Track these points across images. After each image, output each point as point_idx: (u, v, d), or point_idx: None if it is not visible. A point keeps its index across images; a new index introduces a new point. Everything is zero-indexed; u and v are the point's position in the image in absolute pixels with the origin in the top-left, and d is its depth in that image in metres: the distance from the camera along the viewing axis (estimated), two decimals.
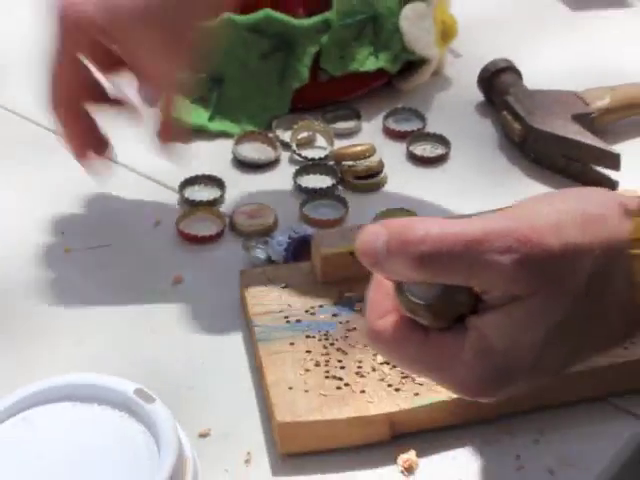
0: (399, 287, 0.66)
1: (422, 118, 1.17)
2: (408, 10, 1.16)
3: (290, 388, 0.85)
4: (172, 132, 0.99)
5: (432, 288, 0.65)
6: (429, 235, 0.64)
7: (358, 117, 1.17)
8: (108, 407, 0.68)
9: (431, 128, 1.16)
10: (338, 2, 1.15)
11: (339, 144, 1.13)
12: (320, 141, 1.13)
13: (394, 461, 0.84)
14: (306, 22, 1.15)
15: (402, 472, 0.84)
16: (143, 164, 1.11)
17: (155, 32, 0.91)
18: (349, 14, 1.15)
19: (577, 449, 0.85)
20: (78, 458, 0.66)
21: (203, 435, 0.86)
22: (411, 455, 0.84)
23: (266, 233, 1.02)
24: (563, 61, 1.23)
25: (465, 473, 0.83)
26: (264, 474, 0.84)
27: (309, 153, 1.12)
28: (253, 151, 1.12)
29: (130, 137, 1.09)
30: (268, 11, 1.14)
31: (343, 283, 0.92)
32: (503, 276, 0.64)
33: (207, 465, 0.82)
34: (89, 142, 0.99)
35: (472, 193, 1.08)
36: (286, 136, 1.13)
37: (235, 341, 0.93)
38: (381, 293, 0.69)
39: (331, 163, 1.11)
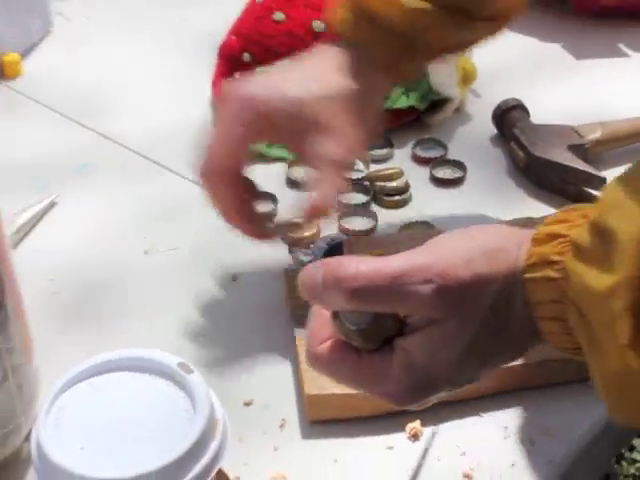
0: (335, 315, 0.66)
1: (444, 147, 1.18)
2: None
3: None
4: (323, 212, 0.87)
5: (363, 315, 0.65)
6: (359, 272, 0.64)
7: (391, 145, 1.18)
8: (156, 376, 0.70)
9: (452, 155, 1.17)
10: None
11: (374, 167, 1.14)
12: (358, 165, 1.14)
13: (403, 429, 0.85)
14: None
15: (409, 438, 0.85)
16: None
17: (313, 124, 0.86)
18: None
19: (556, 422, 0.86)
20: (132, 416, 0.68)
21: (247, 404, 0.88)
22: (417, 424, 0.85)
23: (310, 241, 1.03)
24: (564, 101, 1.24)
25: (462, 440, 0.85)
26: (295, 436, 0.86)
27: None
28: (302, 173, 1.13)
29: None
30: None
31: None
32: (424, 303, 0.64)
33: (249, 428, 0.86)
34: (238, 213, 0.91)
35: (484, 210, 1.09)
36: None
37: (279, 328, 0.95)
38: (320, 322, 0.68)
39: (366, 183, 1.12)
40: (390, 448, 0.84)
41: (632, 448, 2.03)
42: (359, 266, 0.64)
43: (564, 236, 0.61)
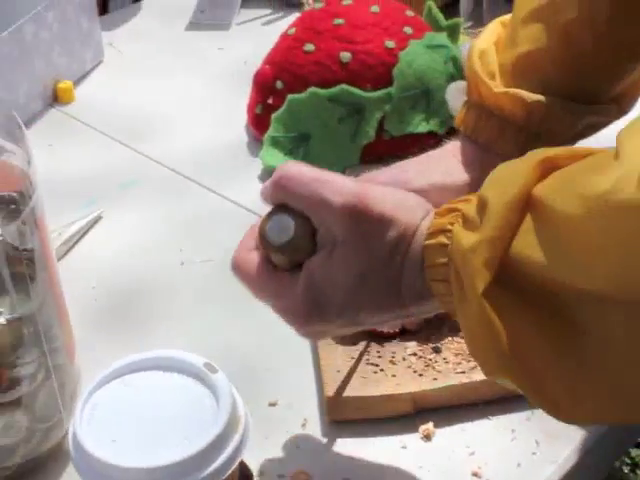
0: (261, 231, 0.71)
1: None
2: (452, 87, 1.17)
3: (338, 371, 0.87)
4: None
5: (283, 235, 0.69)
6: (289, 167, 0.70)
7: None
8: (184, 375, 0.71)
9: None
10: (398, 79, 1.17)
11: None
12: None
13: (416, 430, 0.85)
14: (373, 94, 1.17)
15: (422, 439, 0.85)
16: (244, 199, 1.14)
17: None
18: (407, 88, 1.17)
19: (560, 425, 0.85)
20: (160, 412, 0.69)
21: (272, 404, 0.88)
22: (429, 426, 0.85)
23: None
24: None
25: (472, 441, 0.84)
26: (316, 435, 0.86)
27: None
28: None
29: (242, 177, 1.15)
30: (344, 86, 1.16)
31: None
32: (331, 215, 0.68)
33: (273, 427, 0.86)
34: None
35: None
36: None
37: None
38: (251, 236, 0.74)
39: None
40: (404, 447, 0.84)
41: None
42: (291, 166, 0.71)
43: (458, 210, 0.66)
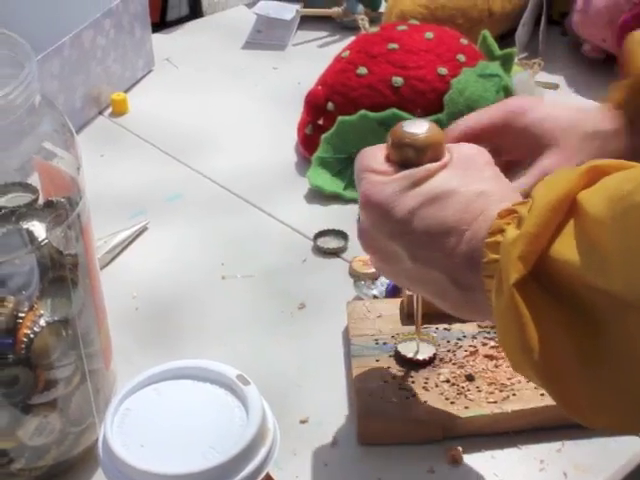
0: (397, 128, 0.77)
1: None
2: (520, 77, 1.18)
3: (370, 395, 0.88)
4: None
5: (419, 128, 0.76)
6: None
7: None
8: (216, 386, 0.72)
9: None
10: (448, 106, 1.18)
11: None
12: None
13: (444, 454, 0.85)
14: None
15: (449, 463, 0.85)
16: (289, 218, 1.16)
17: None
18: (457, 116, 1.15)
19: (591, 458, 0.85)
20: (190, 420, 0.70)
21: (303, 421, 0.89)
22: (457, 452, 0.85)
23: (375, 277, 1.04)
24: None
25: (499, 469, 0.84)
26: (344, 454, 0.86)
27: None
28: None
29: (288, 196, 1.16)
30: (394, 110, 1.17)
31: (424, 317, 0.91)
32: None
33: (303, 444, 0.87)
34: None
35: None
36: None
37: (338, 355, 0.96)
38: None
39: None
40: (431, 472, 0.84)
41: None
42: None
43: (516, 212, 0.67)
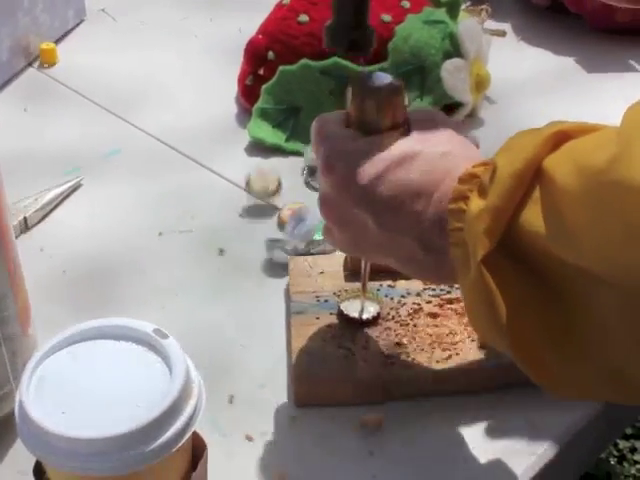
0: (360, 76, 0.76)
1: None
2: (448, 64, 1.13)
3: (308, 354, 0.83)
4: None
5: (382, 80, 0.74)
6: None
7: None
8: (133, 343, 0.68)
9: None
10: (392, 55, 1.13)
11: None
12: None
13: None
14: (366, 68, 1.12)
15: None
16: (229, 171, 1.10)
17: None
18: (401, 64, 1.13)
19: (542, 416, 0.81)
20: (110, 381, 0.66)
21: (243, 383, 0.85)
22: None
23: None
24: (576, 112, 1.16)
25: (441, 430, 0.81)
26: (282, 417, 0.82)
27: None
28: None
29: (228, 149, 1.11)
30: (336, 58, 1.12)
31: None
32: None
33: (243, 405, 0.83)
34: None
35: None
36: None
37: (279, 314, 0.92)
38: None
39: None
40: (372, 433, 0.80)
41: (634, 450, 1.99)
42: None
43: (478, 176, 0.66)
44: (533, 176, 0.62)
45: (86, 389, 0.65)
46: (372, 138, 0.71)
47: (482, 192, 0.64)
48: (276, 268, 0.96)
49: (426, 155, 0.70)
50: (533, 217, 0.61)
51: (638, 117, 0.59)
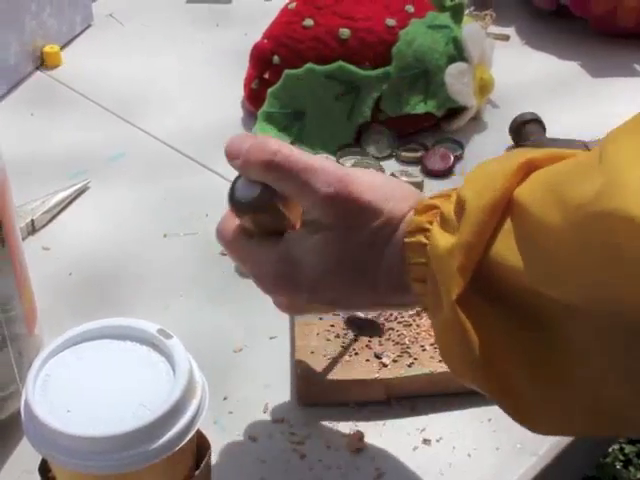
0: (230, 190, 0.70)
1: (461, 146, 1.15)
2: (452, 68, 1.14)
3: (312, 352, 0.84)
4: None
5: (250, 193, 0.69)
6: (280, 151, 0.67)
7: (425, 148, 1.15)
8: (137, 343, 0.69)
9: (467, 164, 1.13)
10: (397, 59, 1.13)
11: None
12: None
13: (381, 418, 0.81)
14: (371, 73, 1.13)
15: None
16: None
17: None
18: (405, 69, 1.13)
19: None
20: (114, 381, 0.67)
21: (247, 383, 0.85)
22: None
23: None
24: (580, 117, 1.19)
25: (446, 430, 0.81)
26: (287, 415, 0.83)
27: None
28: None
29: None
30: (341, 63, 1.13)
31: None
32: (317, 201, 0.67)
33: (246, 404, 0.84)
34: None
35: None
36: (346, 161, 1.12)
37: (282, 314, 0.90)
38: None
39: None
40: (374, 433, 0.80)
41: None
42: (282, 147, 0.68)
43: (437, 207, 0.64)
44: (504, 208, 0.60)
45: (90, 388, 0.66)
46: (284, 245, 0.70)
47: (445, 225, 0.63)
48: None
49: (359, 228, 0.68)
50: (506, 250, 0.59)
51: (621, 144, 0.55)
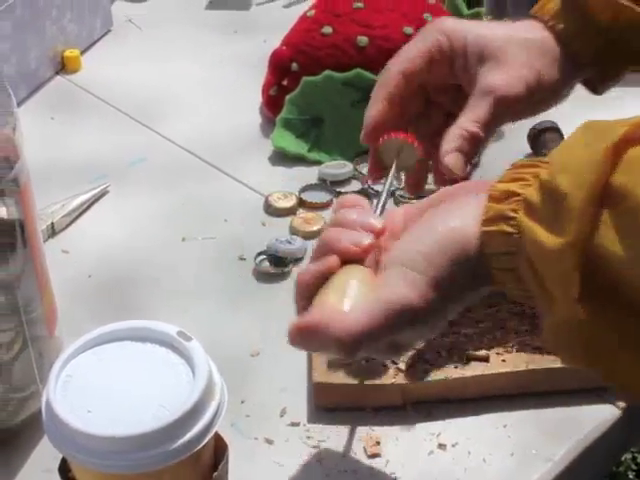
0: None
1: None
2: None
3: (329, 357, 0.84)
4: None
5: None
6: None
7: None
8: (157, 345, 0.70)
9: (483, 171, 1.13)
10: None
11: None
12: None
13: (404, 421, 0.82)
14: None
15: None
16: (252, 180, 1.12)
17: None
18: None
19: (558, 425, 0.82)
20: (134, 382, 0.68)
21: (265, 386, 0.85)
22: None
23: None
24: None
25: (461, 436, 0.81)
26: (303, 419, 0.84)
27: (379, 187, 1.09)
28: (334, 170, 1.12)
29: (251, 158, 1.13)
30: (359, 70, 1.13)
31: None
32: None
33: (263, 408, 0.84)
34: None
35: None
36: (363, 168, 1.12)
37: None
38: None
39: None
40: (392, 437, 0.81)
41: None
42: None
43: (518, 194, 0.62)
44: (602, 198, 0.58)
45: (111, 389, 0.67)
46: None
47: (534, 214, 0.61)
48: (296, 275, 0.97)
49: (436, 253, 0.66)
50: (609, 242, 0.57)
51: None
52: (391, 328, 0.65)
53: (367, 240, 0.68)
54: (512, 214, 0.62)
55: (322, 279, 0.68)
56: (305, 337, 0.67)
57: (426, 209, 0.68)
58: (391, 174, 0.81)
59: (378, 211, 0.74)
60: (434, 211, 0.67)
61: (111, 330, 0.70)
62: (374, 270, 0.68)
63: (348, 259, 0.68)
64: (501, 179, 0.64)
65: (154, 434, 0.64)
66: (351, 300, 0.65)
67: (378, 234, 0.69)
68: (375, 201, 0.76)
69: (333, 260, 0.68)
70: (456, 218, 0.65)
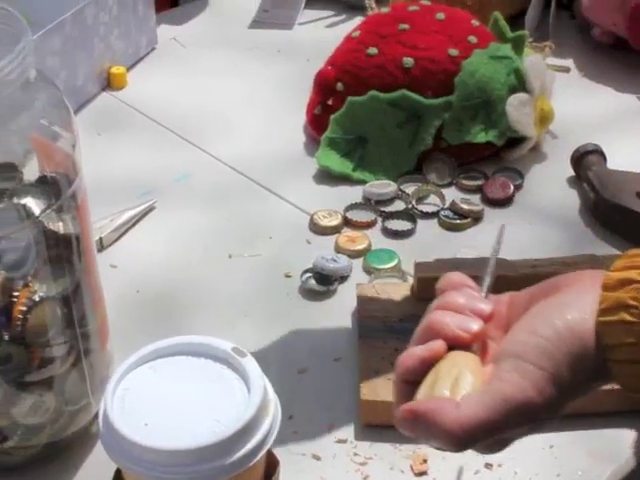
0: None
1: (521, 176, 1.15)
2: (513, 99, 1.15)
3: (376, 375, 0.84)
4: None
5: None
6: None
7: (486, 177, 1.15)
8: (212, 360, 0.70)
9: (526, 193, 1.13)
10: (459, 88, 1.14)
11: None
12: (432, 198, 1.13)
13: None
14: (433, 101, 1.14)
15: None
16: (297, 198, 1.12)
17: None
18: (467, 98, 1.14)
19: (604, 446, 0.82)
20: (190, 396, 0.68)
21: (313, 402, 0.86)
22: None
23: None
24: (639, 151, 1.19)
25: (506, 455, 0.80)
26: (349, 436, 0.84)
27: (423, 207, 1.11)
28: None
29: (296, 177, 1.14)
30: (404, 91, 1.14)
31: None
32: None
33: (313, 424, 0.85)
34: None
35: (552, 245, 1.05)
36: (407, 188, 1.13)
37: (347, 337, 0.93)
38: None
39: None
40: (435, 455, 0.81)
41: None
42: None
43: (637, 282, 0.59)
44: None
45: (167, 403, 0.67)
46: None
47: None
48: (342, 293, 0.97)
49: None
50: None
51: None
52: (507, 423, 0.60)
53: (476, 326, 0.63)
54: (633, 302, 0.59)
55: (426, 365, 0.64)
56: (412, 423, 0.61)
57: (533, 299, 0.64)
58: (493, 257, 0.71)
59: (483, 293, 0.68)
60: (547, 302, 0.63)
61: (167, 345, 0.70)
62: (481, 359, 0.64)
63: (455, 345, 0.64)
64: (615, 267, 0.61)
65: (210, 448, 0.64)
66: (464, 392, 0.60)
67: (487, 320, 0.64)
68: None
69: (440, 346, 0.63)
70: (574, 310, 0.61)
